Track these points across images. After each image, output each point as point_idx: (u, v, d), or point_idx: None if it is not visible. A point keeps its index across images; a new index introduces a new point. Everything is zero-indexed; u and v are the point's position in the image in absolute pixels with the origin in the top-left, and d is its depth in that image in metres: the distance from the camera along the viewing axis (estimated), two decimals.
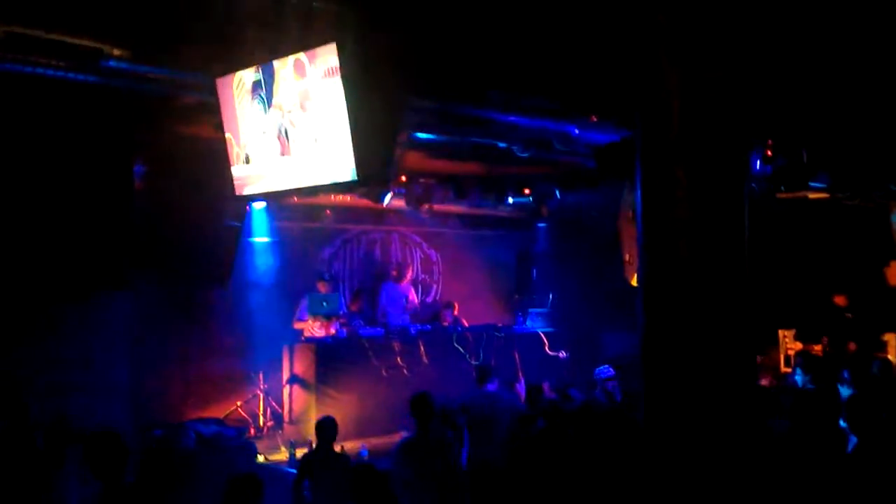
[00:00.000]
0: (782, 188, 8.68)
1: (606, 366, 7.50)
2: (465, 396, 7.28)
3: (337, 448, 6.57)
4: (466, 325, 10.57)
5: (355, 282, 11.05)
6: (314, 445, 6.21)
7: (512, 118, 6.99)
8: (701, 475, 4.41)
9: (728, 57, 4.64)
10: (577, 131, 7.33)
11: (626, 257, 10.54)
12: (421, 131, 6.84)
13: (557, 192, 10.65)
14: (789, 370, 9.72)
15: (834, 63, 6.46)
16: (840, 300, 10.69)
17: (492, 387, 7.30)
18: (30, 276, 7.07)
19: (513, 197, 10.95)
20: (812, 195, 9.72)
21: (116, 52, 5.33)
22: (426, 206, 10.14)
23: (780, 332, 10.45)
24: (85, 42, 5.19)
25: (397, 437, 8.25)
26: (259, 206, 8.77)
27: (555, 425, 5.87)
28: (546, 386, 7.82)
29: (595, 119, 7.20)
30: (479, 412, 6.84)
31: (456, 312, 10.65)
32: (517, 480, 5.32)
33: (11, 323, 7.39)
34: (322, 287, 9.69)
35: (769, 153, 8.16)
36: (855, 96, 7.11)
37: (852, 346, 9.86)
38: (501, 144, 7.64)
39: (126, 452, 3.94)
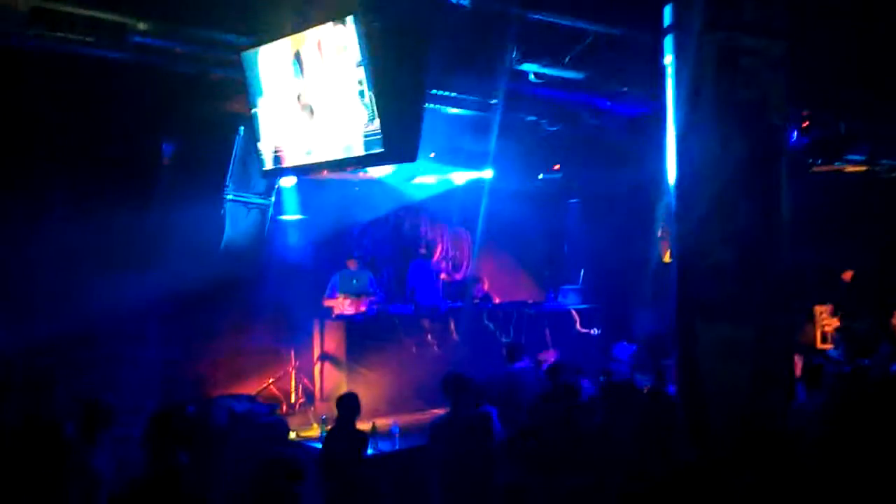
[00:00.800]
0: (819, 161, 8.50)
1: (623, 342, 7.43)
2: (491, 374, 7.23)
3: (367, 425, 6.57)
4: (497, 301, 10.51)
5: (385, 258, 11.00)
6: (335, 422, 6.19)
7: (544, 91, 6.88)
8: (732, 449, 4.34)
9: (765, 24, 4.52)
10: (608, 103, 7.21)
11: (659, 233, 10.39)
12: (450, 105, 6.76)
13: (588, 167, 10.48)
14: (827, 346, 9.58)
15: (871, 34, 6.28)
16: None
17: (521, 364, 7.24)
18: (60, 253, 7.12)
19: (543, 172, 10.81)
20: (848, 168, 9.52)
21: (142, 26, 5.31)
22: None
23: (817, 308, 10.26)
24: (110, 16, 5.17)
25: (429, 414, 8.27)
26: (289, 181, 8.73)
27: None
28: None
29: (626, 90, 7.06)
30: (500, 390, 6.79)
31: (486, 287, 10.57)
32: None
33: (43, 299, 7.48)
34: (352, 265, 9.67)
35: (806, 124, 7.98)
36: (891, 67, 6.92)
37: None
38: (531, 118, 7.53)
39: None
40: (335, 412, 7.28)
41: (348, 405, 5.97)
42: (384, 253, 11.05)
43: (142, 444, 4.11)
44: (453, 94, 6.70)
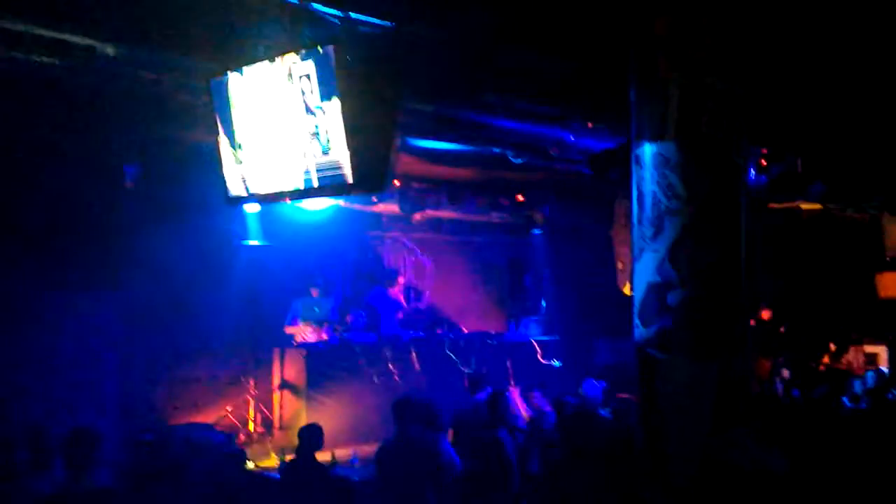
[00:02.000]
0: (776, 198, 8.68)
1: (591, 379, 7.48)
2: (456, 405, 7.22)
3: (327, 455, 6.52)
4: (461, 331, 10.53)
5: (347, 287, 10.96)
6: (295, 452, 6.13)
7: (507, 123, 6.95)
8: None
9: (726, 63, 4.63)
10: (572, 137, 7.30)
11: (620, 265, 10.51)
12: (415, 136, 6.80)
13: (551, 199, 10.59)
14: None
15: (828, 71, 6.45)
16: (765, 314, 10.64)
17: (482, 395, 7.23)
18: (18, 273, 7.01)
19: (506, 203, 10.90)
20: (805, 206, 9.73)
21: (110, 50, 5.26)
22: (419, 212, 10.09)
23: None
24: (77, 39, 5.12)
25: None
26: (252, 208, 8.69)
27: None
28: (537, 394, 7.77)
29: (591, 125, 7.16)
30: (466, 421, 6.79)
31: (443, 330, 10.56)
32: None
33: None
34: (314, 292, 9.63)
35: (763, 162, 8.15)
36: (850, 106, 7.11)
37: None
38: (495, 150, 7.59)
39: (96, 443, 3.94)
40: (294, 442, 7.21)
41: (310, 437, 5.90)
42: (346, 280, 11.01)
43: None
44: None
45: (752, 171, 8.00)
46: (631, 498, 4.62)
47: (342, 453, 7.35)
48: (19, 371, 7.55)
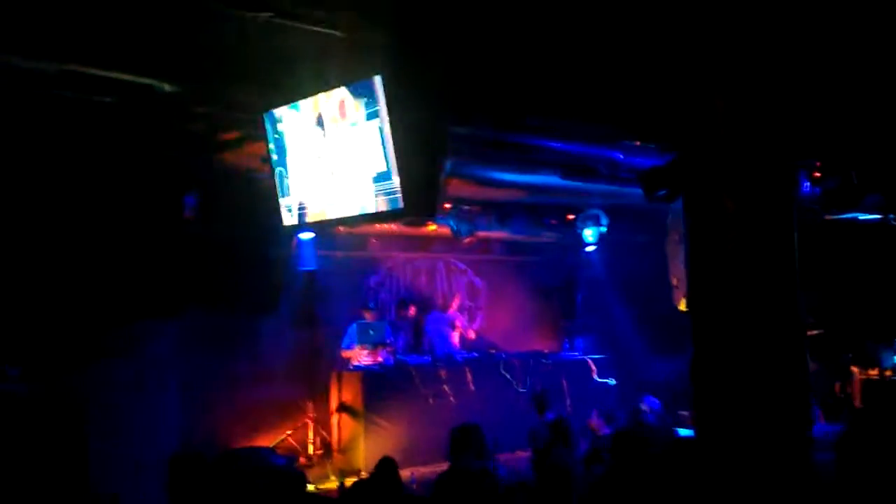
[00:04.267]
0: (832, 210, 8.53)
1: (649, 396, 7.44)
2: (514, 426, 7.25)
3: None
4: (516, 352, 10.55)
5: (400, 309, 11.06)
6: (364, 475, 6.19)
7: (553, 144, 6.99)
8: (752, 491, 4.34)
9: (774, 80, 4.62)
10: (620, 156, 7.31)
11: (674, 281, 10.40)
12: (461, 158, 6.87)
13: (603, 217, 10.56)
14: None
15: (883, 80, 6.37)
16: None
17: (551, 415, 7.23)
18: (85, 304, 7.23)
19: (555, 222, 10.91)
20: (862, 217, 9.54)
21: (167, 87, 5.47)
22: (470, 234, 10.16)
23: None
24: (137, 78, 5.34)
25: (445, 465, 8.25)
26: (306, 236, 8.86)
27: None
28: (594, 413, 7.73)
29: (639, 144, 7.16)
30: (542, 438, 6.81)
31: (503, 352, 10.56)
32: None
33: (67, 348, 7.58)
34: (368, 316, 9.75)
35: (817, 175, 8.04)
36: None
37: None
38: (543, 173, 7.64)
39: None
40: (353, 464, 7.31)
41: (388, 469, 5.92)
42: (399, 304, 11.12)
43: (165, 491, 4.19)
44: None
45: (807, 184, 7.90)
46: None
47: (400, 474, 7.39)
48: (85, 396, 7.78)
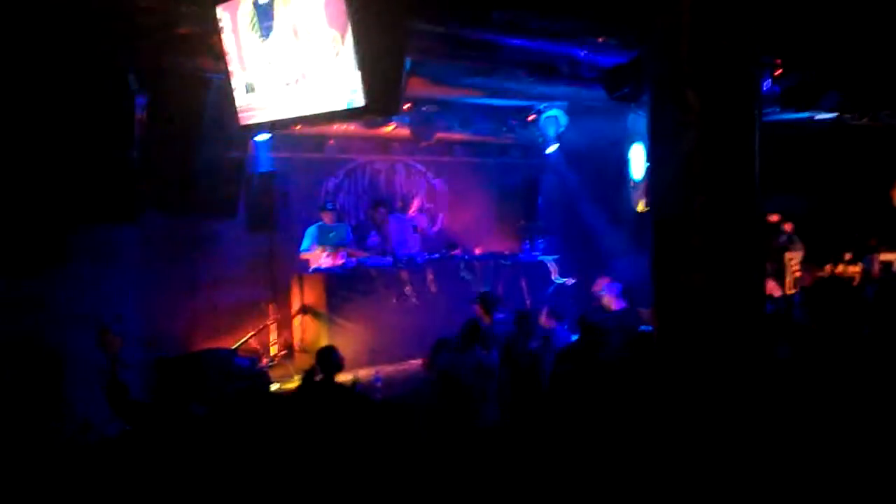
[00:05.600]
0: (790, 109, 8.57)
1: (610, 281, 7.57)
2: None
3: (349, 376, 6.67)
4: (476, 252, 10.61)
5: (360, 213, 11.02)
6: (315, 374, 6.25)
7: (517, 41, 6.86)
8: (709, 401, 4.47)
9: None
10: (583, 53, 7.20)
11: (632, 183, 10.49)
12: (425, 57, 6.72)
13: (563, 118, 10.49)
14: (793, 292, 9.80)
15: None
16: (774, 218, 10.56)
17: (500, 316, 7.34)
18: (36, 208, 7.07)
19: (517, 123, 10.83)
20: (818, 116, 9.60)
21: None
22: (430, 135, 10.04)
23: (786, 255, 10.45)
24: None
25: (408, 365, 8.41)
26: (263, 137, 8.69)
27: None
28: (545, 310, 7.85)
29: (602, 40, 7.05)
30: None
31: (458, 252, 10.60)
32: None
33: (20, 254, 7.46)
34: (326, 217, 9.70)
35: (778, 73, 8.04)
36: (865, 12, 6.97)
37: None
38: (507, 70, 7.51)
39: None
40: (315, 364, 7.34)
41: (328, 359, 6.03)
42: (359, 206, 11.06)
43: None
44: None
45: (767, 82, 7.91)
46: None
47: (364, 374, 7.51)
48: (39, 305, 7.71)
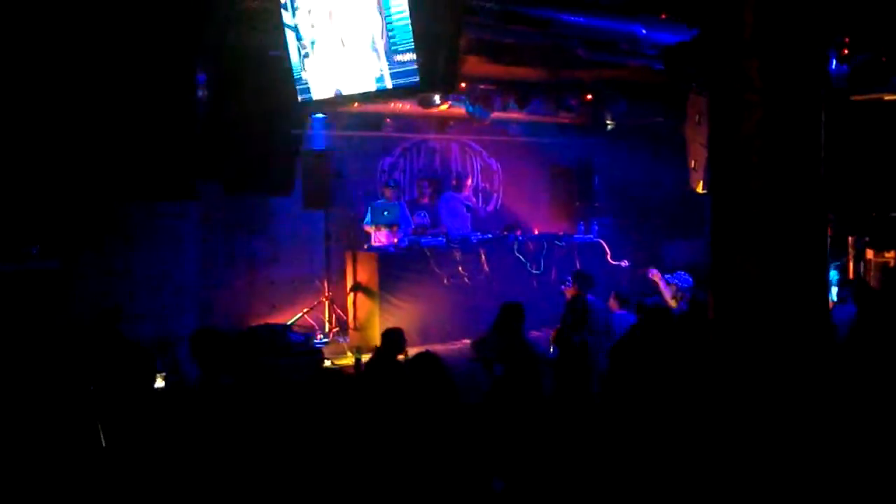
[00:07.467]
0: (859, 90, 8.30)
1: (684, 273, 7.39)
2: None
3: (400, 356, 6.69)
4: (533, 232, 10.55)
5: (414, 191, 11.03)
6: (377, 353, 6.31)
7: (575, 18, 6.76)
8: (768, 385, 4.37)
9: None
10: (643, 31, 7.06)
11: (692, 164, 10.28)
12: (481, 33, 6.66)
13: (621, 98, 10.34)
14: None
15: None
16: None
17: (591, 297, 7.24)
18: (101, 183, 7.24)
19: (574, 103, 10.70)
20: (888, 96, 9.30)
21: None
22: (487, 115, 9.98)
23: (851, 239, 10.17)
24: None
25: (460, 344, 8.42)
26: (320, 115, 8.75)
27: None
28: (612, 295, 7.74)
29: (664, 17, 6.90)
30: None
31: (518, 233, 10.53)
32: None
33: (86, 229, 7.67)
34: (387, 192, 9.76)
35: (846, 52, 7.78)
36: None
37: None
38: (564, 46, 7.40)
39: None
40: (368, 342, 7.43)
41: (394, 341, 6.06)
42: (414, 184, 11.07)
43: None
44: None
45: (834, 61, 7.67)
46: None
47: (413, 352, 7.52)
48: (105, 281, 7.93)
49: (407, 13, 4.84)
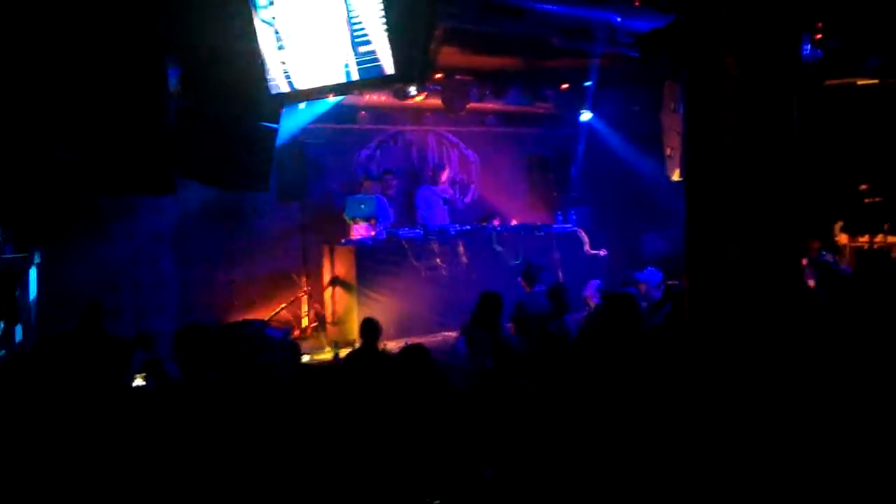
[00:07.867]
0: (832, 74, 8.34)
1: (652, 268, 7.39)
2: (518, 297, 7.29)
3: (379, 347, 6.66)
4: (510, 223, 10.53)
5: (392, 183, 10.95)
6: (357, 345, 6.29)
7: (551, 6, 6.73)
8: (743, 372, 4.38)
9: None
10: (619, 19, 7.04)
11: (668, 151, 10.32)
12: (456, 23, 6.62)
13: (596, 86, 10.33)
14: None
15: None
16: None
17: (539, 288, 7.26)
18: (73, 177, 7.14)
19: (550, 93, 10.67)
20: (861, 81, 9.35)
21: None
22: (462, 105, 9.94)
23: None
24: None
25: (439, 337, 8.40)
26: (296, 106, 8.66)
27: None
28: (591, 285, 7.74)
29: (638, 4, 6.89)
30: (530, 312, 6.88)
31: (497, 223, 10.50)
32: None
33: (61, 223, 7.58)
34: (367, 184, 9.70)
35: (819, 36, 7.81)
36: None
37: None
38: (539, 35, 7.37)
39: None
40: (347, 336, 7.39)
41: (371, 329, 6.07)
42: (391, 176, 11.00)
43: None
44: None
45: (807, 46, 7.68)
46: None
47: (393, 345, 7.50)
48: (82, 274, 7.84)
49: (377, 4, 4.79)
